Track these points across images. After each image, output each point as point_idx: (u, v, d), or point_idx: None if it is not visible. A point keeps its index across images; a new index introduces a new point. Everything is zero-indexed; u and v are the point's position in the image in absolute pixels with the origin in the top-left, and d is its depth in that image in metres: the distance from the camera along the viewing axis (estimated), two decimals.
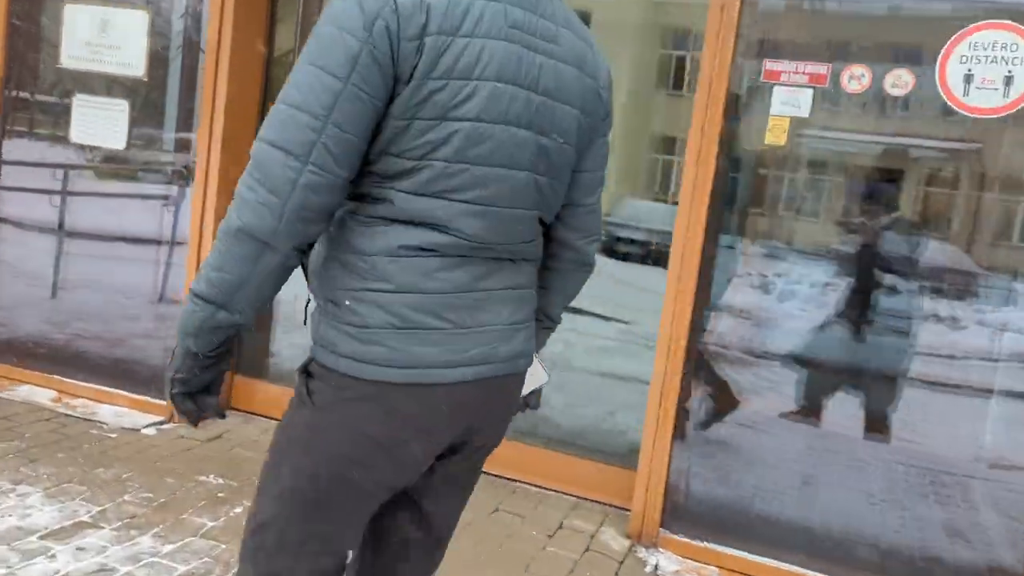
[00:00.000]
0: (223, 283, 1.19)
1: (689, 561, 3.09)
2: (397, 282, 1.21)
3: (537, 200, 1.33)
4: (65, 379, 3.93)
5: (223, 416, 1.36)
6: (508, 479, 3.55)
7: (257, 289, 1.20)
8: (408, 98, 1.15)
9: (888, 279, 3.09)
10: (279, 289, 1.24)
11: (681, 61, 6.05)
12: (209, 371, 1.29)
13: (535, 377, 1.55)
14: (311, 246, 1.25)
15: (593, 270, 1.59)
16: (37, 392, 3.86)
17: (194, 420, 1.33)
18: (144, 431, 3.61)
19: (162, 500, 2.97)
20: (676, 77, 6.44)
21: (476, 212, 1.23)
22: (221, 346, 1.26)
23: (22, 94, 4.01)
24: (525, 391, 1.52)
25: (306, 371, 1.29)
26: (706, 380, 3.21)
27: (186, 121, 3.80)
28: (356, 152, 1.17)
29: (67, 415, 3.66)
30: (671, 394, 3.12)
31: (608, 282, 4.37)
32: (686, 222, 3.08)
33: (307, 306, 1.36)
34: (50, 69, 3.89)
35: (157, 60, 3.70)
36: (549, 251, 1.50)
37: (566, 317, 1.70)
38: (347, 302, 1.24)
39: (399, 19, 1.13)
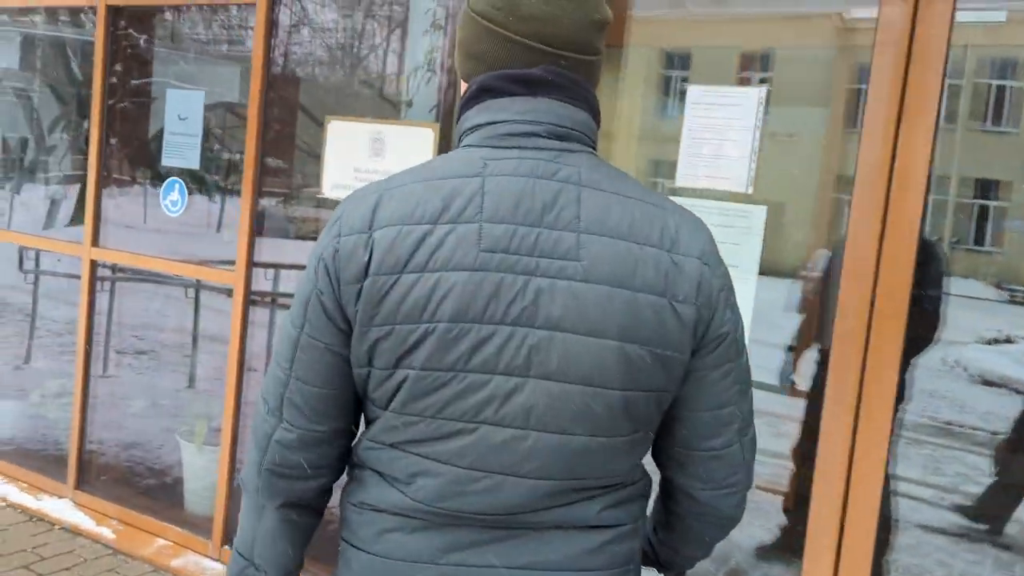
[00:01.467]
0: (242, 536, 1.20)
1: None
2: (357, 536, 1.12)
3: (560, 464, 1.05)
4: None
5: None
6: None
7: (270, 545, 1.18)
8: (357, 346, 1.05)
9: None
10: (301, 547, 1.21)
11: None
12: None
13: None
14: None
15: (735, 523, 1.23)
16: None
17: None
18: None
19: None
20: None
21: (433, 470, 1.05)
22: None
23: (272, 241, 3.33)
24: None
25: None
26: None
27: None
28: (332, 403, 1.10)
29: None
30: None
31: None
32: None
33: None
34: (309, 200, 3.17)
35: None
36: (667, 491, 1.25)
37: None
38: (340, 547, 1.17)
39: (338, 261, 1.04)
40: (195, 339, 5.22)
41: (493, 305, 1.01)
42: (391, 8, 3.83)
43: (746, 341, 1.17)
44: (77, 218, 4.50)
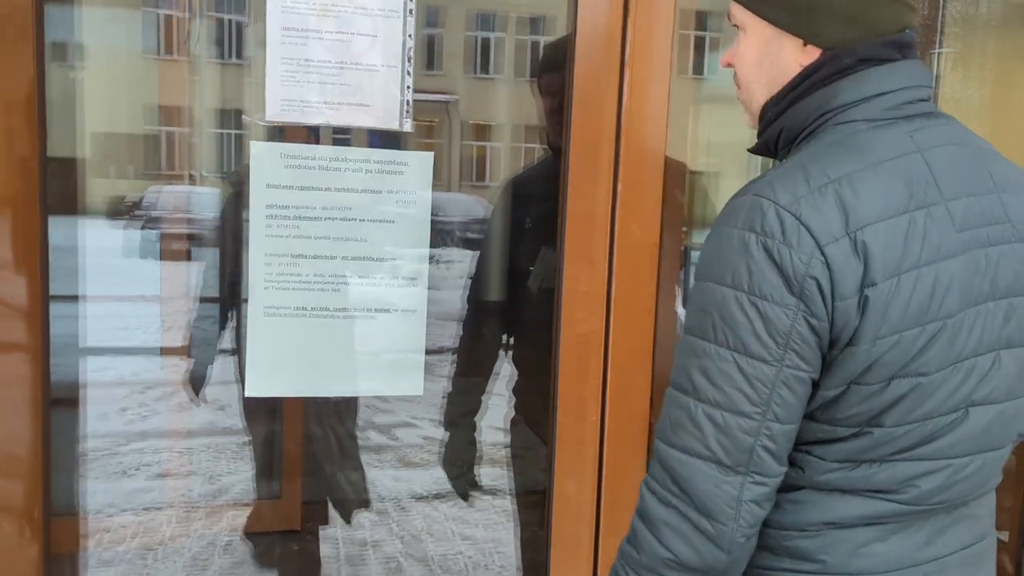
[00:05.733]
0: None
1: None
2: (819, 561, 1.02)
3: (1012, 432, 1.07)
4: None
5: None
6: None
7: None
8: (846, 365, 0.95)
9: None
10: None
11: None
12: None
13: None
14: None
15: None
16: None
17: None
18: None
19: None
20: None
21: (927, 469, 1.01)
22: None
23: None
24: None
25: None
26: None
27: None
28: (792, 439, 0.99)
29: None
30: None
31: None
32: None
33: None
34: None
35: None
36: None
37: None
38: None
39: (832, 274, 0.92)
40: None
41: (979, 285, 0.98)
42: None
43: None
44: None
